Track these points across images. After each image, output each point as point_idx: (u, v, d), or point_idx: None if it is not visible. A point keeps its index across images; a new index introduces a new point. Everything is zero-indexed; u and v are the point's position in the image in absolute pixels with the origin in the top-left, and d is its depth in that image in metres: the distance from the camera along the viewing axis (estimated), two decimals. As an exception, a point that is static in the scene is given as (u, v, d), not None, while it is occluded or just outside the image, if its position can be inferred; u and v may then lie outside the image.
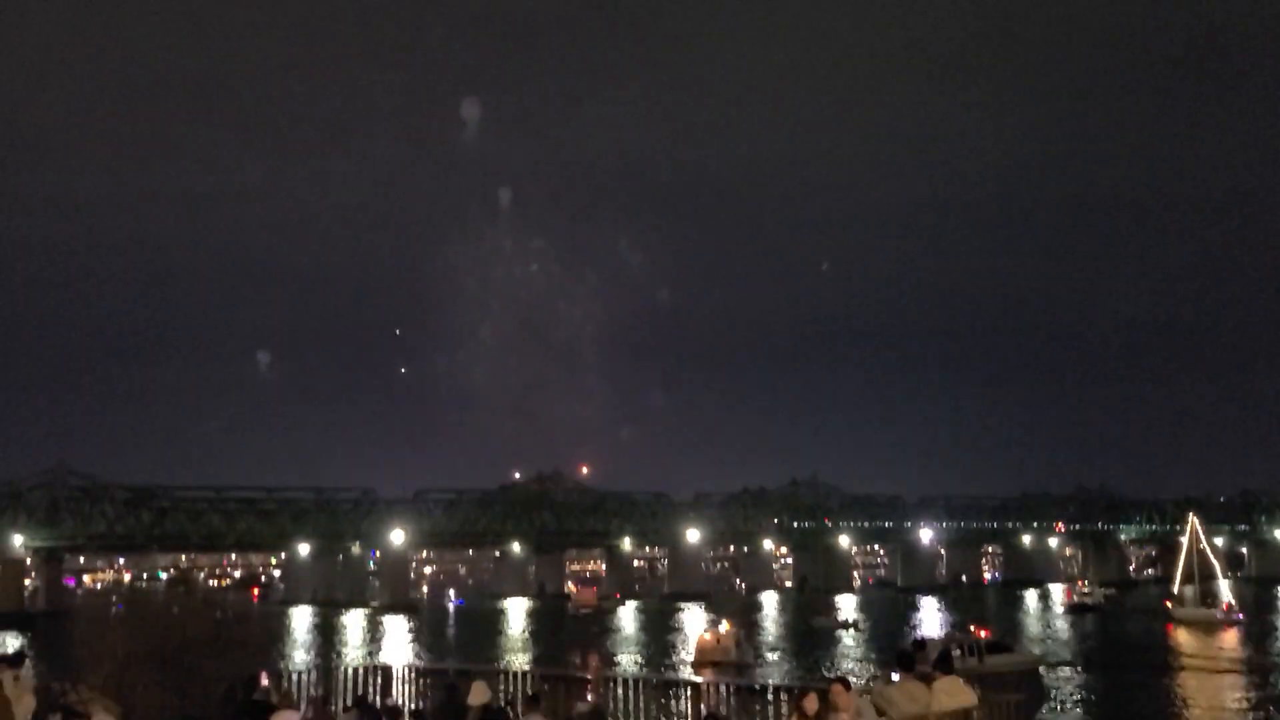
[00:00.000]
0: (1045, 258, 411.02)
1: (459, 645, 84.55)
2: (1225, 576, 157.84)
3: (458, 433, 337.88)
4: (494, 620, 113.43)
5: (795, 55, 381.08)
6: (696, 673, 51.37)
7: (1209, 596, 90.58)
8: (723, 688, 18.68)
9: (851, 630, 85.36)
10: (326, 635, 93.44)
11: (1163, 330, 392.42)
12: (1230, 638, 76.31)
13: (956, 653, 46.97)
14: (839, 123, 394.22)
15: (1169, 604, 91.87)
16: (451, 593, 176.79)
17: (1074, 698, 47.88)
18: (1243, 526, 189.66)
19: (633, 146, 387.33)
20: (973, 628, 63.87)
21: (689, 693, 18.44)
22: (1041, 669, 57.34)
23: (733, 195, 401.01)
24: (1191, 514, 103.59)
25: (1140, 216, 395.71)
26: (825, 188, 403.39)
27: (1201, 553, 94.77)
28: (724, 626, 66.69)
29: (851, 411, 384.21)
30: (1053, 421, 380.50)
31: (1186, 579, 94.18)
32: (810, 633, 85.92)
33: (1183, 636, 77.61)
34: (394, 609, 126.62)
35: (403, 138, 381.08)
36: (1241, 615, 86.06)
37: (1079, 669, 59.78)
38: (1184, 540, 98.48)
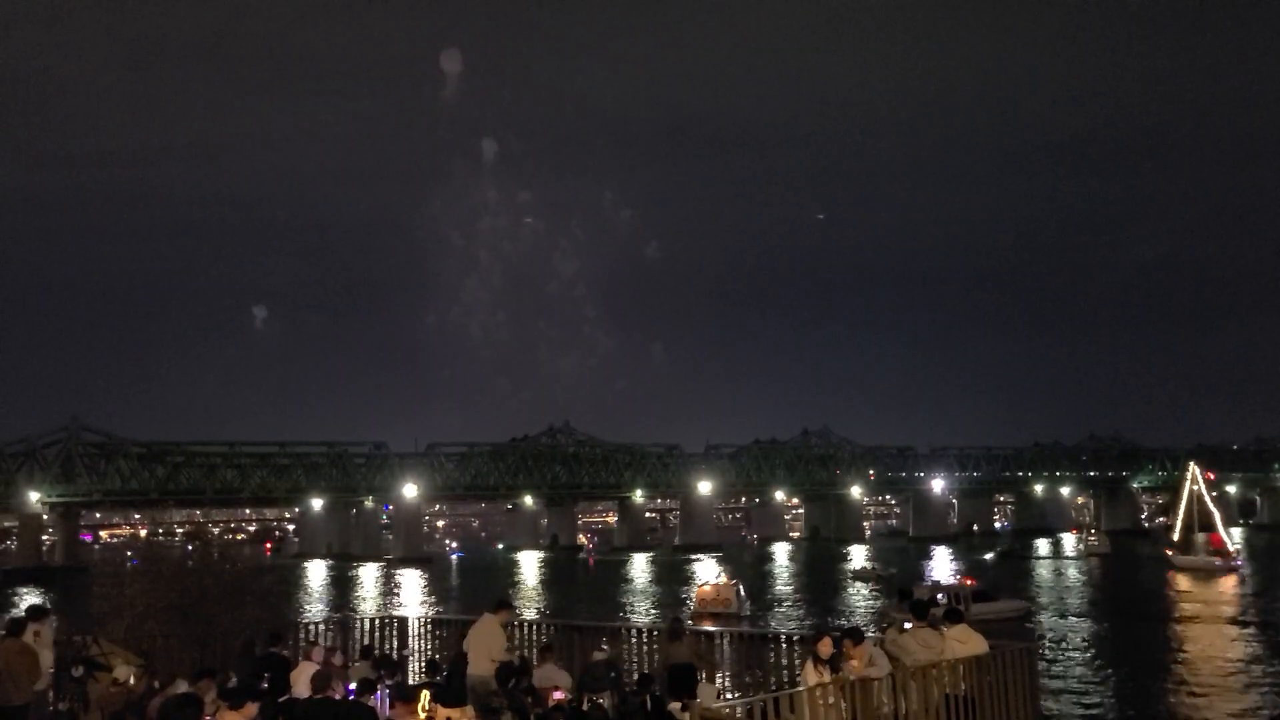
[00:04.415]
0: (1058, 203, 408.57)
1: (476, 596, 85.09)
2: (1239, 524, 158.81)
3: (468, 387, 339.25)
4: (498, 571, 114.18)
5: (790, 5, 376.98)
6: (697, 623, 52.16)
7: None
8: (731, 636, 18.78)
9: (873, 580, 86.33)
10: (342, 588, 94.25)
11: (1178, 276, 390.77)
12: (1229, 584, 76.88)
13: (943, 600, 47.48)
14: (836, 71, 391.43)
15: (1169, 552, 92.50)
16: (453, 544, 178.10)
17: (1061, 644, 48.17)
18: (1255, 474, 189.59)
19: (623, 97, 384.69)
20: (959, 577, 65.09)
21: (703, 641, 18.54)
22: (1036, 616, 58.40)
23: (728, 145, 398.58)
24: (1192, 462, 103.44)
25: (1157, 158, 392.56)
26: (826, 136, 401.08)
27: (1201, 500, 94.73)
28: (722, 578, 67.94)
29: (863, 362, 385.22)
30: (1067, 369, 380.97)
31: (1187, 527, 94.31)
32: (852, 578, 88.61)
33: (1182, 583, 78.12)
34: (408, 562, 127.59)
35: (396, 90, 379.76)
36: (1240, 562, 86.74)
37: (1067, 616, 60.15)
38: (1185, 488, 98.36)
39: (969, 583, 61.56)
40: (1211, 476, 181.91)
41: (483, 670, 14.64)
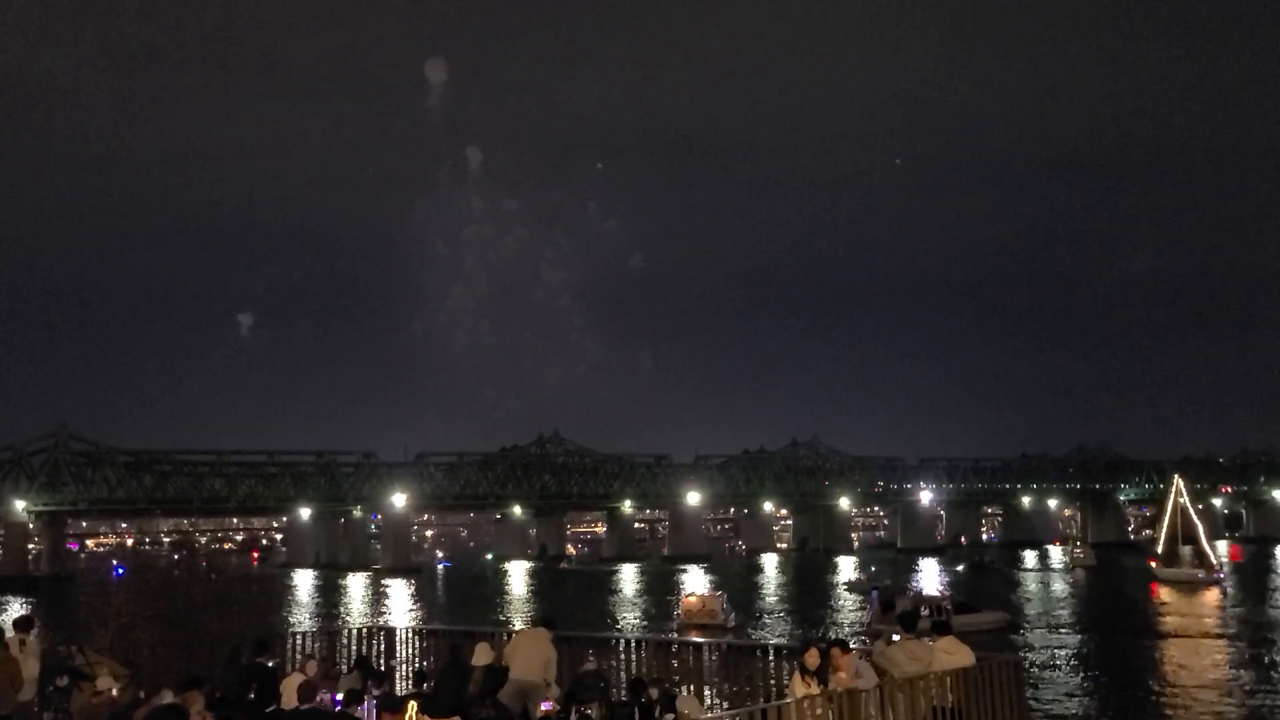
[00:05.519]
0: (1046, 214, 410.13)
1: (461, 607, 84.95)
2: (1225, 537, 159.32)
3: (457, 396, 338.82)
4: (486, 581, 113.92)
5: (775, 13, 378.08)
6: (683, 634, 52.19)
7: (1202, 557, 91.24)
8: (722, 647, 18.80)
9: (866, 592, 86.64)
10: (329, 598, 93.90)
11: (1166, 287, 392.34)
12: (1212, 597, 77.33)
13: (925, 612, 47.62)
14: (824, 80, 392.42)
15: (1154, 564, 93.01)
16: (439, 554, 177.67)
17: (1043, 657, 48.28)
18: (1242, 487, 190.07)
19: (608, 106, 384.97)
20: (939, 589, 65.42)
21: (690, 652, 18.56)
22: (1020, 628, 58.73)
23: (716, 152, 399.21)
24: (1176, 475, 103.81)
25: (1145, 170, 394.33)
26: (814, 145, 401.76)
27: (1185, 513, 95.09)
28: (706, 589, 67.98)
29: (852, 373, 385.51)
30: (1056, 381, 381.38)
31: (1171, 539, 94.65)
32: (845, 589, 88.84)
33: (1166, 596, 78.55)
34: (396, 572, 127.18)
35: (383, 98, 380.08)
36: (1222, 575, 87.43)
37: (1053, 629, 60.31)
38: (1170, 501, 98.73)
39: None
40: (1228, 489, 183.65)
41: (532, 675, 15.08)
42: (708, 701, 16.57)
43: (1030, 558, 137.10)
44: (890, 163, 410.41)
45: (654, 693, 14.66)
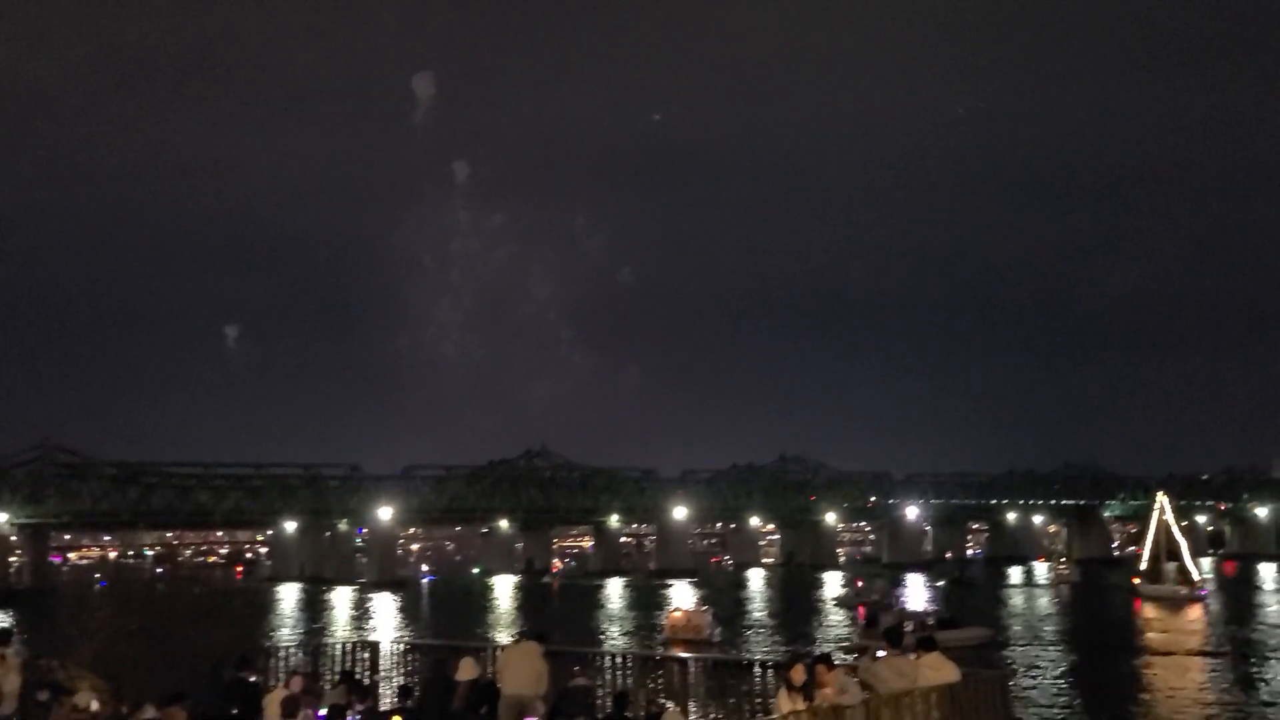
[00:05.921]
0: (1034, 231, 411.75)
1: (448, 621, 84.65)
2: (1208, 554, 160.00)
3: (445, 409, 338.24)
4: (472, 595, 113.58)
5: (766, 28, 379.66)
6: (668, 649, 52.14)
7: (1185, 574, 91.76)
8: (707, 662, 18.79)
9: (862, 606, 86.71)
10: (314, 612, 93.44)
11: (1154, 305, 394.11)
12: (1194, 614, 77.73)
13: (908, 628, 47.64)
14: (815, 95, 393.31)
15: (1137, 580, 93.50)
16: (424, 568, 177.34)
17: (1024, 672, 48.34)
18: (1226, 504, 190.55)
19: (597, 120, 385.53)
20: (923, 605, 65.74)
21: (676, 668, 18.53)
22: (1005, 643, 58.92)
23: (704, 167, 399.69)
24: (1160, 492, 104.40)
25: (1133, 189, 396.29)
26: (803, 159, 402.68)
27: (1169, 529, 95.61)
28: (692, 604, 67.97)
29: (841, 388, 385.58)
30: (1043, 398, 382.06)
31: (1154, 556, 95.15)
32: (835, 604, 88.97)
33: (1149, 612, 78.94)
34: (382, 586, 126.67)
35: (373, 111, 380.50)
36: (1205, 591, 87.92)
37: (1034, 644, 60.44)
38: (1153, 518, 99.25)
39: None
40: (1218, 506, 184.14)
41: (526, 690, 15.09)
42: (693, 717, 16.54)
43: (1015, 573, 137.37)
44: (883, 172, 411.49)
45: (643, 710, 14.65)
